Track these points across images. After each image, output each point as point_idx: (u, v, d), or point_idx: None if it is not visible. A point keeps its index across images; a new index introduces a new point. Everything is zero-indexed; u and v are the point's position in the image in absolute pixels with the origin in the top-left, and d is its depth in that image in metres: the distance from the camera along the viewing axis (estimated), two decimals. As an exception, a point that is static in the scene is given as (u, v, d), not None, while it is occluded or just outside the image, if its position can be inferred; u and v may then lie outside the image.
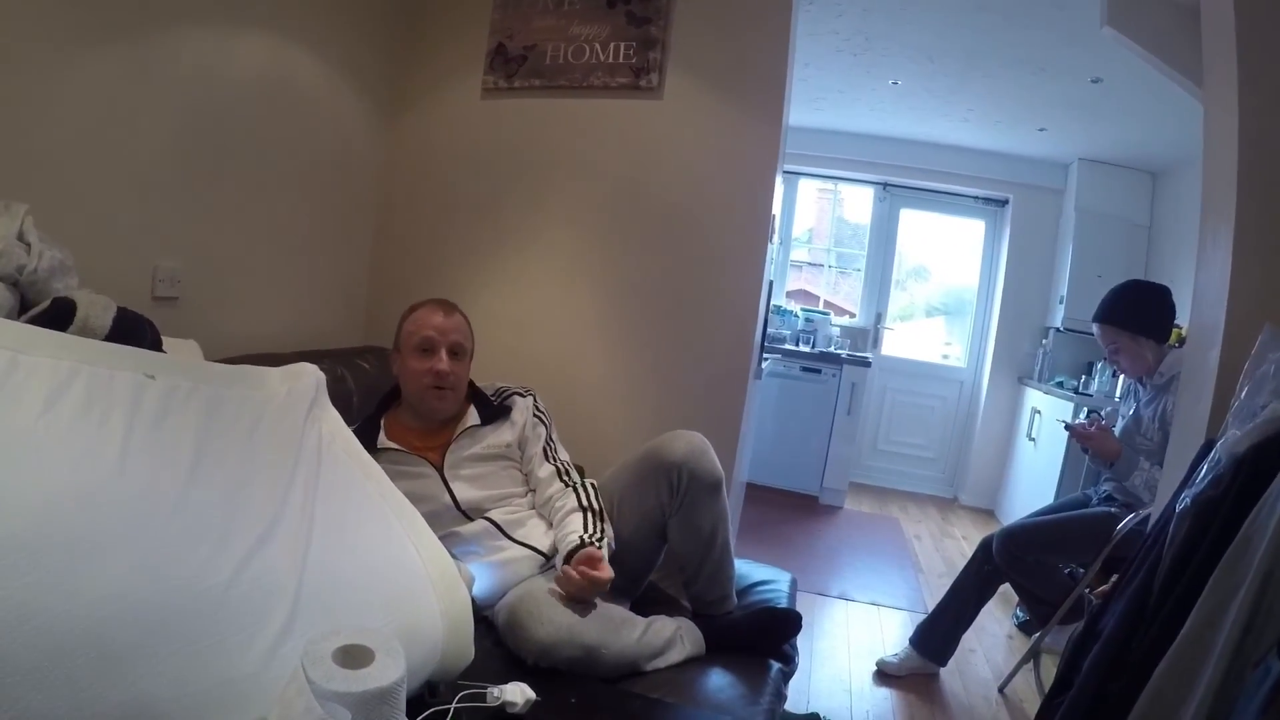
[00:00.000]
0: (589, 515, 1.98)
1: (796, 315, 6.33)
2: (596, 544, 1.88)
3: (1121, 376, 3.08)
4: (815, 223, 7.20)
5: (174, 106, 2.26)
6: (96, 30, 1.98)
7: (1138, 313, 2.89)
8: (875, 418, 6.57)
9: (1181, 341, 3.03)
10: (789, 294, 6.95)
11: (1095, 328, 3.02)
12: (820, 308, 6.89)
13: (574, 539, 1.89)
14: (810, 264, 7.37)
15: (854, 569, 4.39)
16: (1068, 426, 3.17)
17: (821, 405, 5.74)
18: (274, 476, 1.25)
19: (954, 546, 5.05)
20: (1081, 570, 2.91)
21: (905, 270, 7.01)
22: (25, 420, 1.01)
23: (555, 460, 2.17)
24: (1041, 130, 5.18)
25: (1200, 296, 2.06)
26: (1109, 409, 3.72)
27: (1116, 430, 3.01)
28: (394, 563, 1.32)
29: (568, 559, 1.84)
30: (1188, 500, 1.30)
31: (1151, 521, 1.85)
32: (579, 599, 1.77)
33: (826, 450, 5.74)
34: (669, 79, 2.90)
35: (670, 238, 2.94)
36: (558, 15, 3.01)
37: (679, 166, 2.92)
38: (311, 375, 1.53)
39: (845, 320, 6.65)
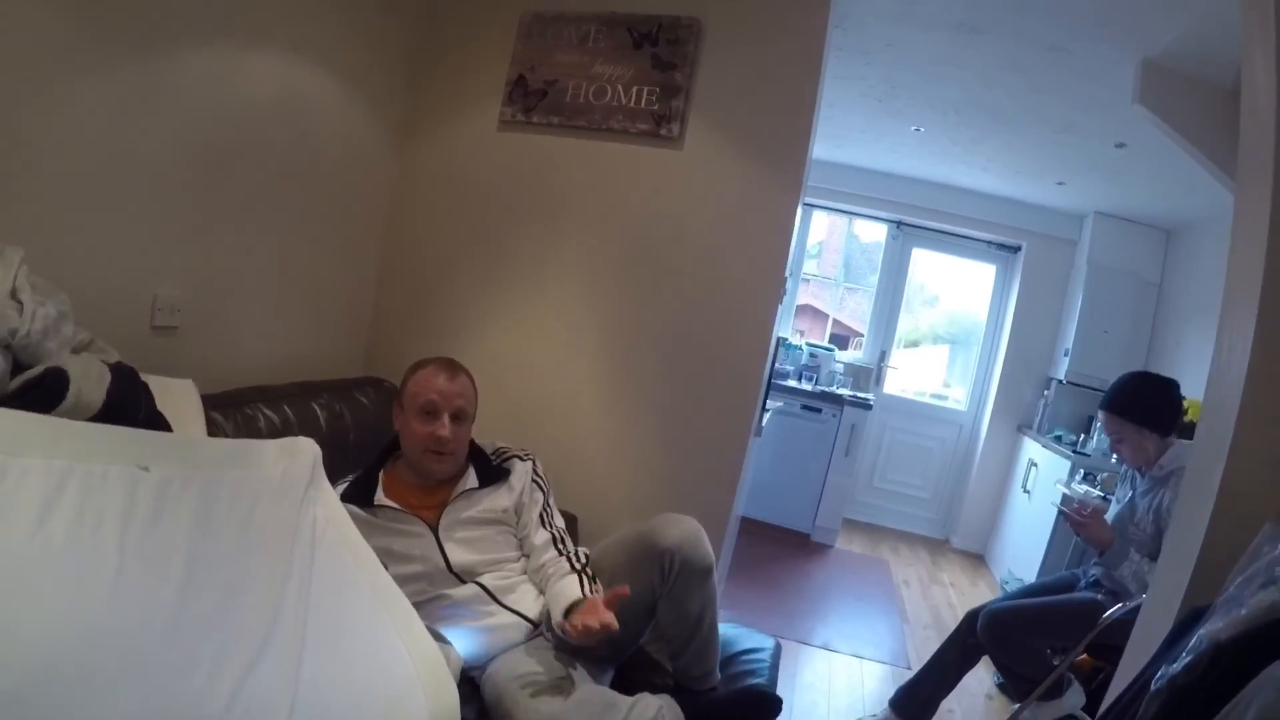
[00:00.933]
0: (583, 579, 1.99)
1: (801, 349, 6.32)
2: (592, 579, 1.94)
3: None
4: (826, 236, 7.17)
5: (179, 131, 2.23)
6: (99, 55, 1.96)
7: (1144, 405, 2.88)
8: (873, 455, 6.55)
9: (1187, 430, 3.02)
10: (797, 308, 6.92)
11: (1100, 414, 3.02)
12: (827, 328, 6.89)
13: (575, 594, 1.91)
14: (819, 277, 7.36)
15: (840, 615, 4.40)
16: (1062, 510, 3.17)
17: (820, 444, 5.73)
18: (269, 579, 1.26)
19: (941, 595, 5.04)
20: (1065, 650, 2.92)
21: (914, 293, 6.99)
22: (19, 540, 1.02)
23: (551, 527, 2.17)
24: (1060, 184, 5.17)
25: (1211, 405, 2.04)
26: (1097, 491, 3.73)
27: (1111, 516, 3.01)
28: (384, 668, 1.33)
29: (568, 612, 1.85)
30: (1163, 681, 1.29)
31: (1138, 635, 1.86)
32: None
33: (822, 489, 5.73)
34: (690, 129, 2.88)
35: (679, 291, 2.92)
36: (581, 51, 2.97)
37: (693, 220, 2.90)
38: (308, 454, 1.53)
39: (849, 356, 6.63)
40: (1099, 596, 2.87)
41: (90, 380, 1.44)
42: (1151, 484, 2.87)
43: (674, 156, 2.89)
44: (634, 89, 2.91)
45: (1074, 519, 2.95)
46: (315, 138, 2.75)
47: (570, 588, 1.94)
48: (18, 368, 1.46)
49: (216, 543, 1.24)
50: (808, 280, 7.13)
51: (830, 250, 7.42)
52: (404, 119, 3.21)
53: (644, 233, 2.95)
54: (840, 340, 7.13)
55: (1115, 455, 3.07)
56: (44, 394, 1.36)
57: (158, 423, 1.60)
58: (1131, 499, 2.95)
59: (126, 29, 2.01)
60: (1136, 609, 2.21)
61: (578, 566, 2.04)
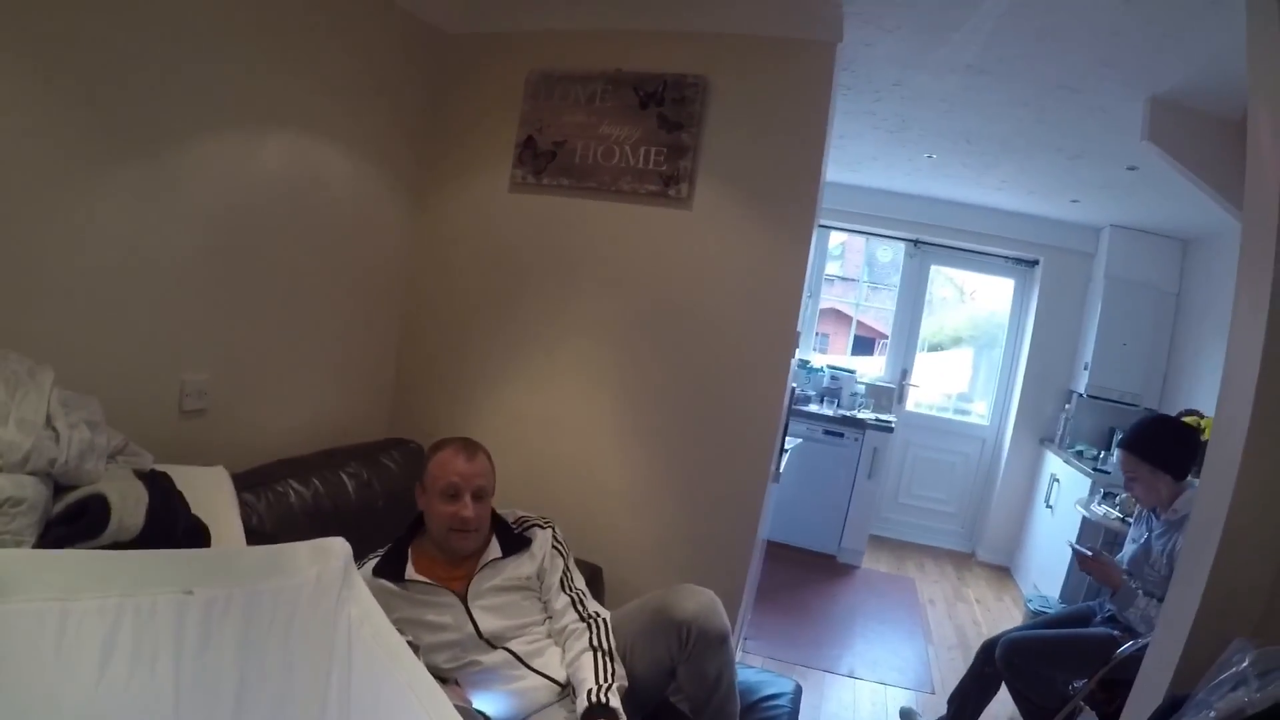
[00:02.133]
0: (598, 657, 2.05)
1: (822, 371, 6.36)
2: (606, 694, 1.96)
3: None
4: (848, 237, 7.15)
5: (196, 218, 2.31)
6: (113, 151, 2.04)
7: (1161, 447, 2.93)
8: (897, 472, 6.57)
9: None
10: (820, 311, 6.94)
11: (1118, 453, 3.08)
12: (851, 330, 6.88)
13: (590, 681, 1.98)
14: (842, 278, 7.36)
15: (865, 640, 4.44)
16: (1076, 551, 3.21)
17: (843, 468, 5.77)
18: (312, 685, 1.35)
19: (966, 613, 5.07)
20: (1080, 683, 2.96)
21: (937, 297, 7.00)
22: (88, 687, 1.11)
23: (571, 590, 2.24)
24: (1075, 201, 5.17)
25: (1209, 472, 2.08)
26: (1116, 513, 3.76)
27: (1126, 555, 3.07)
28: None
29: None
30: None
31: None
32: None
33: (846, 511, 5.77)
34: (699, 188, 2.93)
35: (693, 348, 2.97)
36: (589, 112, 3.02)
37: (705, 278, 2.95)
38: (339, 556, 1.61)
39: (871, 375, 6.65)
40: (1115, 633, 2.91)
41: (130, 505, 1.53)
42: (1166, 527, 2.91)
43: (683, 217, 2.94)
44: (641, 149, 2.95)
45: (1087, 561, 3.02)
46: (331, 210, 2.82)
47: (585, 674, 2.02)
48: (57, 488, 1.55)
49: (262, 658, 1.32)
50: (830, 281, 7.12)
51: (852, 251, 7.41)
52: (418, 184, 3.28)
53: (656, 291, 3.00)
54: (864, 344, 7.13)
55: (1130, 494, 3.10)
56: (89, 523, 1.46)
57: (197, 531, 1.69)
58: (1147, 540, 2.99)
59: (139, 123, 2.09)
60: (1146, 647, 2.26)
61: (595, 640, 2.10)
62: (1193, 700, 1.42)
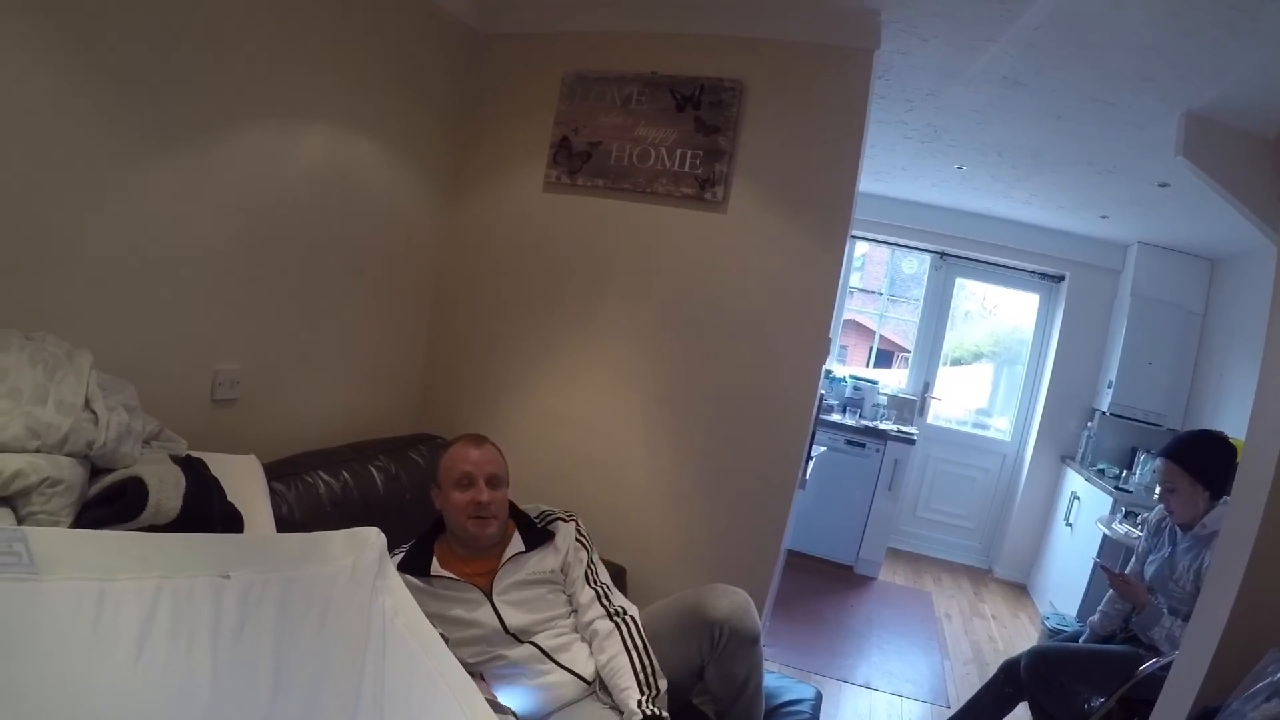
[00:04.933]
0: (636, 659, 2.05)
1: (845, 381, 6.35)
2: (654, 704, 1.97)
3: (1162, 505, 3.10)
4: (870, 248, 7.14)
5: (233, 208, 2.32)
6: (151, 142, 2.05)
7: (1205, 461, 2.90)
8: (916, 485, 6.56)
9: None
10: (842, 324, 6.90)
11: (1159, 461, 3.05)
12: (873, 344, 6.88)
13: (630, 685, 2.00)
14: (863, 290, 7.34)
15: (881, 652, 4.42)
16: (1102, 569, 3.20)
17: (864, 478, 5.76)
18: (346, 673, 1.36)
19: (982, 629, 5.04)
20: (1099, 702, 2.95)
21: (959, 312, 6.96)
22: (124, 666, 1.11)
23: (596, 584, 2.25)
24: (1104, 217, 5.15)
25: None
26: (1138, 531, 3.74)
27: (1149, 571, 3.04)
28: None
29: None
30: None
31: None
32: None
33: (865, 522, 5.76)
34: (734, 192, 2.92)
35: (724, 350, 2.96)
36: (624, 114, 3.02)
37: (738, 282, 2.94)
38: (375, 546, 1.61)
39: (893, 387, 6.64)
40: (1140, 651, 2.89)
41: (168, 488, 1.54)
42: (1193, 543, 2.88)
43: (718, 220, 2.93)
44: (678, 152, 2.95)
45: (1114, 579, 3.01)
46: (365, 205, 2.84)
47: (626, 679, 2.02)
48: (95, 471, 1.57)
49: (297, 644, 1.33)
50: (852, 293, 7.10)
51: (874, 263, 7.39)
52: (451, 182, 3.29)
53: (688, 293, 3.00)
54: (885, 357, 7.10)
55: (1163, 505, 3.08)
56: (126, 505, 1.47)
57: (231, 517, 1.70)
58: (1172, 555, 2.96)
59: (176, 117, 2.11)
60: (1169, 665, 2.25)
61: (628, 642, 2.09)
62: (1226, 710, 1.41)
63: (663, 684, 2.04)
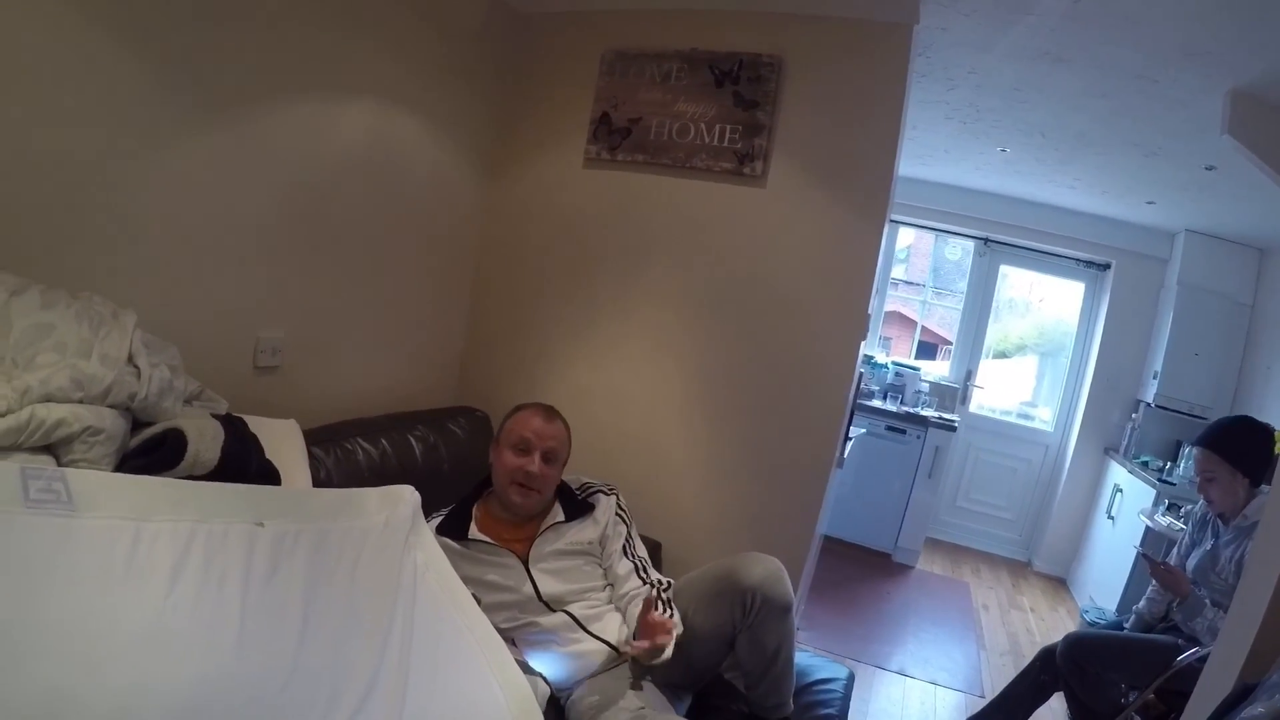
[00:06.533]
0: (661, 605, 2.07)
1: (887, 367, 6.31)
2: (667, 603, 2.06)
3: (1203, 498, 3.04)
4: (914, 240, 7.08)
5: (277, 179, 2.35)
6: (197, 113, 2.07)
7: (1244, 448, 2.85)
8: (957, 475, 6.49)
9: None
10: (885, 315, 6.87)
11: (1196, 450, 2.99)
12: (915, 335, 6.83)
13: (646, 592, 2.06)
14: (907, 282, 7.28)
15: (917, 640, 4.39)
16: (1142, 554, 3.15)
17: (904, 465, 5.72)
18: (375, 623, 1.38)
19: (1020, 621, 4.99)
20: (1136, 693, 2.90)
21: (1004, 304, 6.89)
22: (155, 601, 1.14)
23: (634, 557, 2.26)
24: (1150, 203, 5.06)
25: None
26: (1180, 524, 3.68)
27: (1191, 563, 2.99)
28: (479, 703, 1.44)
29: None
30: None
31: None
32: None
33: (905, 510, 5.72)
34: (773, 166, 2.91)
35: (763, 326, 2.96)
36: (664, 89, 3.02)
37: (777, 258, 2.93)
38: (409, 503, 1.64)
39: (935, 374, 6.58)
40: (1180, 641, 2.84)
41: (206, 440, 1.57)
42: (1235, 534, 2.83)
43: (757, 195, 2.93)
44: (717, 127, 2.95)
45: (1157, 569, 2.96)
46: (406, 179, 2.87)
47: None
48: (136, 424, 1.60)
49: (328, 592, 1.36)
50: (895, 285, 7.05)
51: (919, 254, 7.33)
52: (492, 157, 3.31)
53: (728, 269, 2.99)
54: (928, 349, 7.06)
55: (1202, 496, 3.02)
56: (165, 454, 1.50)
57: (268, 473, 1.73)
58: (1214, 547, 2.91)
59: (224, 88, 2.13)
60: (1206, 657, 2.21)
61: (658, 594, 2.12)
62: (1266, 683, 1.38)
63: (677, 621, 2.04)
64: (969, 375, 6.48)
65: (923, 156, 5.12)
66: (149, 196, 2.00)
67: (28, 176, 1.72)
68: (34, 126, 1.71)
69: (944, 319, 7.13)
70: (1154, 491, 4.71)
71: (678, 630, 1.97)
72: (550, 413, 2.30)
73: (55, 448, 1.43)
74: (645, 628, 1.92)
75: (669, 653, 1.88)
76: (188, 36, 2.00)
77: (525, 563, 2.15)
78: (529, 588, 2.11)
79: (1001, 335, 7.06)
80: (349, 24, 2.48)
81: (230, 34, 2.11)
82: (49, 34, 1.70)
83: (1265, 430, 2.93)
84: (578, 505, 2.28)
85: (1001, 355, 7.14)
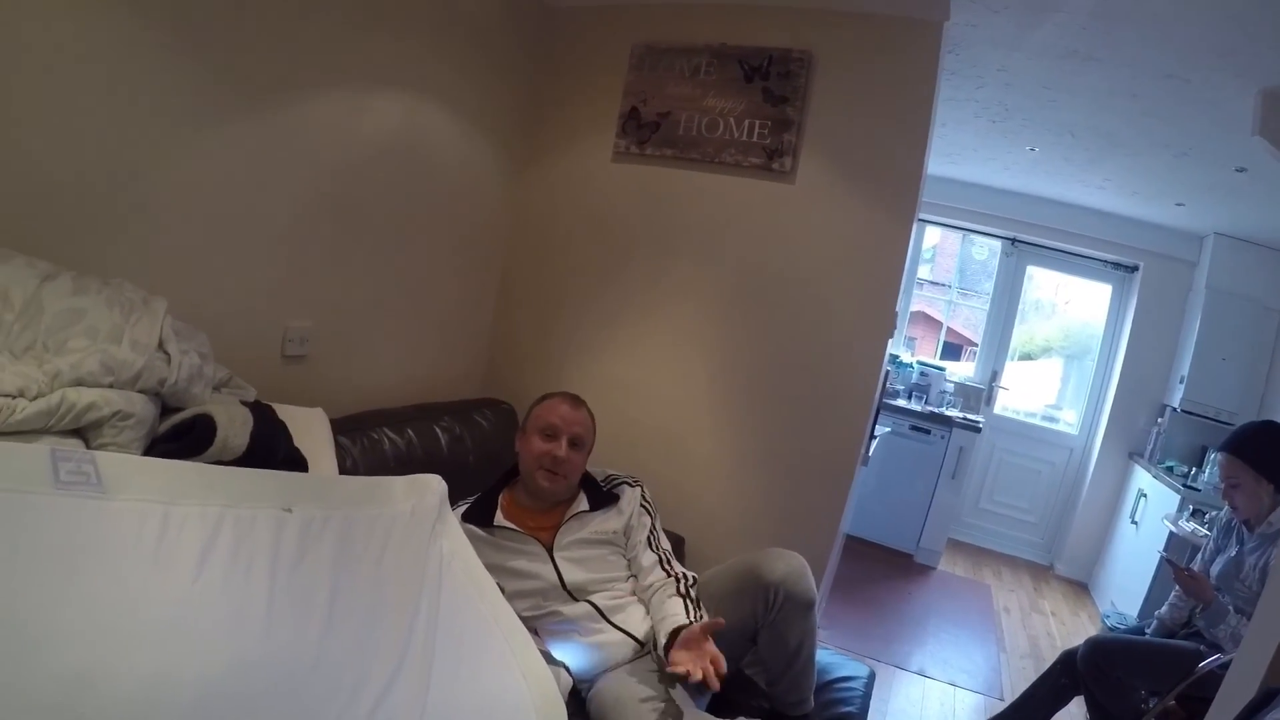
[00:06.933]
0: (688, 603, 2.07)
1: (912, 367, 6.29)
2: (696, 601, 2.06)
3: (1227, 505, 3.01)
4: (940, 240, 7.04)
5: (306, 172, 2.36)
6: (230, 104, 2.08)
7: (1269, 454, 2.81)
8: (980, 476, 6.46)
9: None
10: (910, 315, 6.86)
11: (1220, 456, 2.96)
12: (940, 336, 6.81)
13: (679, 618, 2.00)
14: (933, 282, 7.25)
15: (937, 641, 4.37)
16: (1167, 559, 3.12)
17: (928, 465, 5.70)
18: (400, 610, 1.39)
19: (1041, 624, 4.96)
20: (1156, 699, 2.88)
21: (1030, 305, 6.86)
22: (184, 584, 1.16)
23: (658, 549, 2.27)
24: (1179, 205, 5.01)
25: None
26: (1205, 530, 3.64)
27: (1216, 569, 2.96)
28: (502, 691, 1.45)
29: (671, 638, 1.94)
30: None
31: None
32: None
33: (927, 510, 5.70)
34: (802, 163, 2.91)
35: (790, 322, 2.96)
36: (693, 84, 3.02)
37: (804, 254, 2.93)
38: (435, 491, 1.65)
39: (960, 375, 6.55)
40: (1202, 647, 2.82)
41: (235, 426, 1.59)
42: (1260, 541, 2.80)
43: (786, 190, 2.92)
44: (746, 122, 2.94)
45: (1181, 574, 2.93)
46: (436, 171, 2.87)
47: (675, 609, 2.03)
48: (165, 409, 1.62)
49: (354, 578, 1.37)
50: (921, 285, 7.02)
51: (944, 255, 7.27)
52: (521, 150, 3.32)
53: (755, 264, 2.99)
54: (953, 350, 7.02)
55: (1227, 502, 2.99)
56: (195, 440, 1.52)
57: (296, 460, 1.74)
58: (1239, 554, 2.88)
59: (254, 79, 2.15)
60: (1229, 664, 2.19)
61: (683, 589, 2.12)
62: None
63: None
64: (994, 376, 6.44)
65: (951, 155, 5.09)
66: (181, 186, 2.01)
67: (61, 165, 1.74)
68: (70, 116, 1.73)
69: (969, 320, 7.08)
70: (1178, 497, 4.66)
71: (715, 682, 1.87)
72: (576, 401, 2.32)
73: (85, 431, 1.45)
74: (695, 650, 1.88)
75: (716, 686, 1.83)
76: (222, 28, 2.01)
77: (550, 550, 2.17)
78: (553, 575, 2.13)
79: (1027, 337, 7.00)
80: (379, 16, 2.49)
81: (263, 25, 2.12)
82: (87, 23, 1.71)
83: None
84: (603, 495, 2.30)
85: (1027, 357, 7.08)
